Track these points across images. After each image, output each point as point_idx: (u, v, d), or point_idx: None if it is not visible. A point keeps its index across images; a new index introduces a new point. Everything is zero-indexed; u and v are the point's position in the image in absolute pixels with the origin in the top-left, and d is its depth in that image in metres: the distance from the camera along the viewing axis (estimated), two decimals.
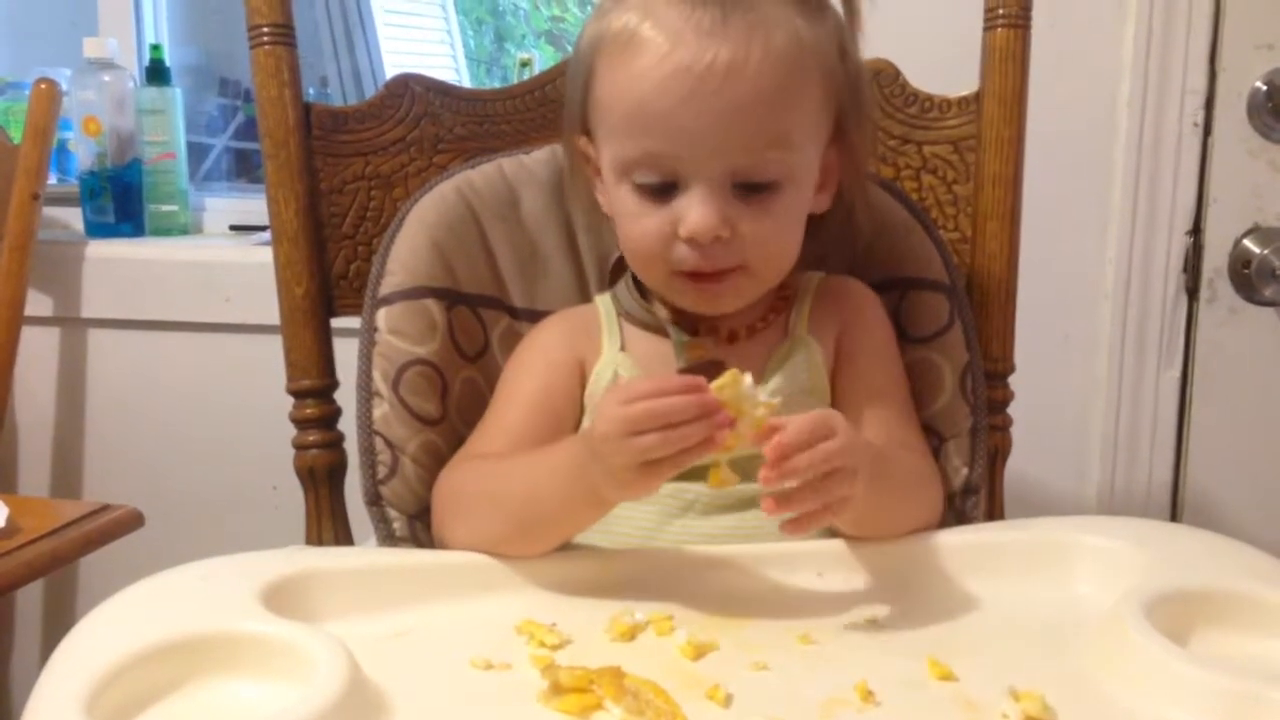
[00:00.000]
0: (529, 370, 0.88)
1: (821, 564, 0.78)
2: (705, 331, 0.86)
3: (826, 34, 0.80)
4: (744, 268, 0.81)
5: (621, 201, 0.82)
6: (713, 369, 0.85)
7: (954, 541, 0.80)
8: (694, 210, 0.77)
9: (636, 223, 0.81)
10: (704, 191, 0.78)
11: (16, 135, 1.53)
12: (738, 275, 0.81)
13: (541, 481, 0.76)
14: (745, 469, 0.83)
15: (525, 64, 1.76)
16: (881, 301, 0.92)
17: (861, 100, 0.86)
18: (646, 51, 0.76)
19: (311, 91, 1.00)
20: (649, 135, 0.78)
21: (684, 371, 0.84)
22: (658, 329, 0.87)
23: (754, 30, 0.76)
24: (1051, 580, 0.77)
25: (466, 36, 2.95)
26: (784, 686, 0.64)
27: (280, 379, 1.01)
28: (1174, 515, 1.47)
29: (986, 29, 1.00)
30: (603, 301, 0.91)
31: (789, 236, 0.83)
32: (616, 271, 0.96)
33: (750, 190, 0.79)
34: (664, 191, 0.79)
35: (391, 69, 2.42)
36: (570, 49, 0.87)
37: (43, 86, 1.50)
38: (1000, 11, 0.99)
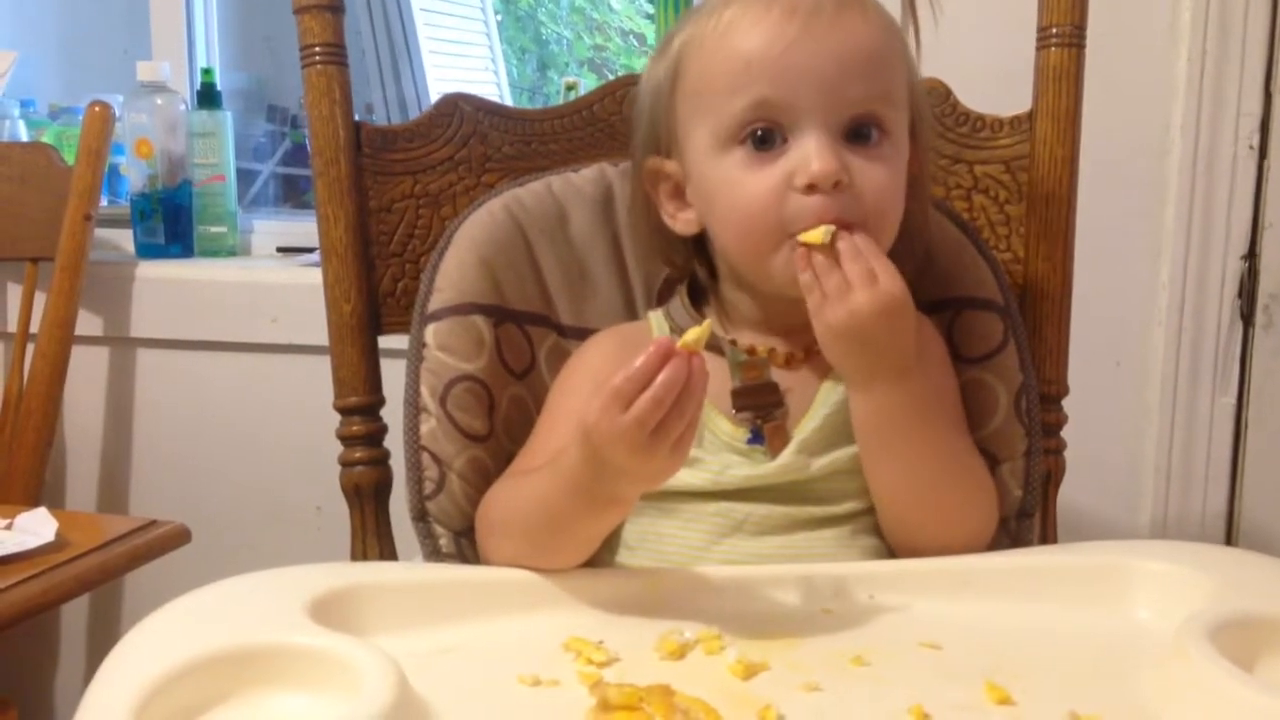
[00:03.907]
0: (577, 391, 0.87)
1: (874, 585, 0.77)
2: (762, 353, 0.85)
3: (900, 32, 0.82)
4: (860, 224, 0.78)
5: (725, 175, 0.79)
6: (766, 391, 0.84)
7: (1009, 564, 0.79)
8: (812, 155, 0.76)
9: (746, 187, 0.78)
10: (819, 136, 0.77)
11: (70, 158, 1.55)
12: (854, 235, 0.77)
13: (556, 494, 0.75)
14: (790, 494, 0.82)
15: (571, 88, 1.77)
16: (934, 322, 0.90)
17: (923, 107, 0.86)
18: (745, 17, 0.77)
19: (357, 119, 1.01)
20: (759, 83, 0.77)
21: (737, 393, 0.84)
22: (712, 347, 0.86)
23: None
24: (1110, 604, 0.75)
25: (510, 65, 2.98)
26: (837, 708, 0.63)
27: (325, 401, 1.01)
28: (1229, 545, 1.44)
29: (1040, 48, 0.99)
30: (655, 318, 0.90)
31: (898, 194, 0.81)
32: (665, 291, 0.95)
33: (861, 138, 0.78)
34: (773, 150, 0.78)
35: (436, 96, 2.43)
36: (611, 76, 0.87)
37: (96, 109, 1.52)
38: (1054, 31, 0.98)
